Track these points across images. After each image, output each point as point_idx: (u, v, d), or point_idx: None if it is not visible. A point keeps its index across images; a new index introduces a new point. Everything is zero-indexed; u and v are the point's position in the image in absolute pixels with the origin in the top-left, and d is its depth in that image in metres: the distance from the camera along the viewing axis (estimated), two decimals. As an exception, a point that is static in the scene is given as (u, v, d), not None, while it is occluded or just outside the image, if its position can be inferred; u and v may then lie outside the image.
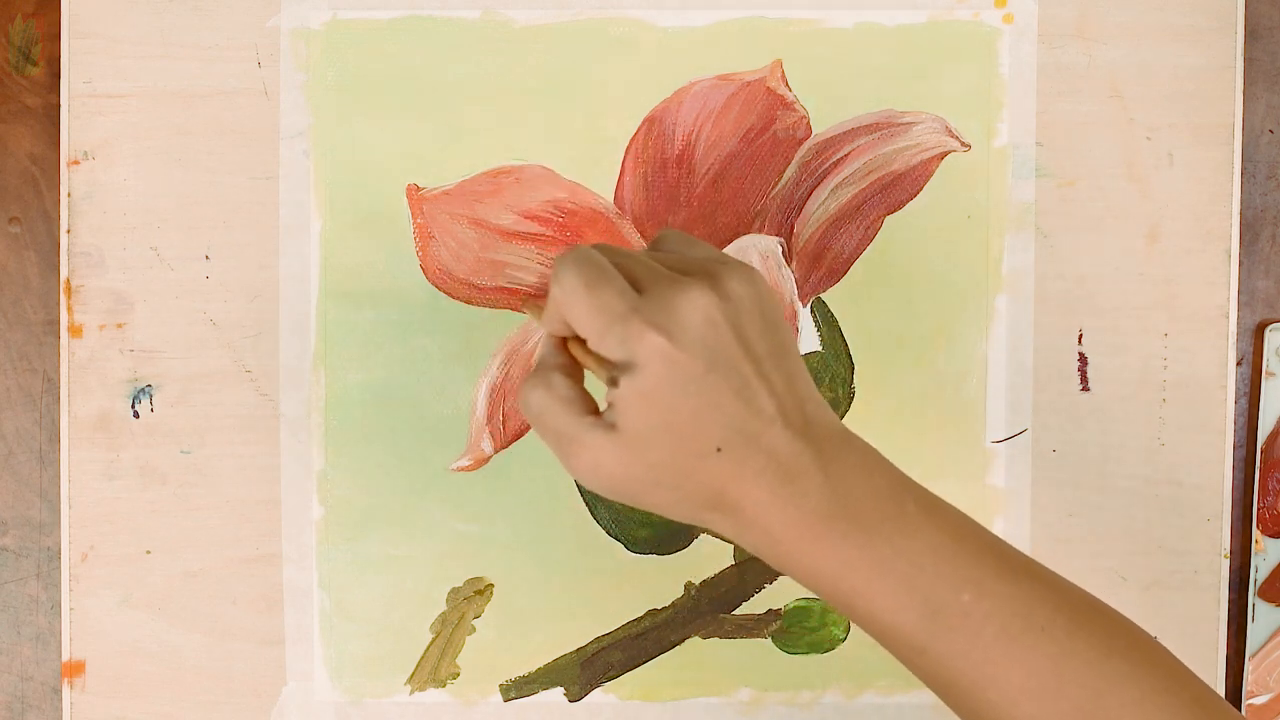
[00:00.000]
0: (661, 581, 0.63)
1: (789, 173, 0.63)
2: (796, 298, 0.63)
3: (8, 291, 0.63)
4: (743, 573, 0.64)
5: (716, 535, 0.63)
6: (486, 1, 0.63)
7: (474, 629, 0.63)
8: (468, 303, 0.63)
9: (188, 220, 0.63)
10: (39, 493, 0.64)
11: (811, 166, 0.63)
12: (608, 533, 0.63)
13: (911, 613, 0.47)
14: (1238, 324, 0.64)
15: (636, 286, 0.48)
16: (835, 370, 0.63)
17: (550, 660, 0.63)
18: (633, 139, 0.63)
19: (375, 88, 0.63)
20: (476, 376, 0.63)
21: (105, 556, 0.63)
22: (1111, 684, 0.47)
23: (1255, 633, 0.64)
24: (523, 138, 0.63)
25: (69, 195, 0.62)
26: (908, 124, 0.63)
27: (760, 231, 0.63)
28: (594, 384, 0.49)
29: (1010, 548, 0.49)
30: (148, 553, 0.63)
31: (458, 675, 0.63)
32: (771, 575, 0.64)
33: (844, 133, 0.63)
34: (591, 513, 0.63)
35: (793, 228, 0.63)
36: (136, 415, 0.62)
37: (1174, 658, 0.49)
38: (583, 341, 0.49)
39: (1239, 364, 0.64)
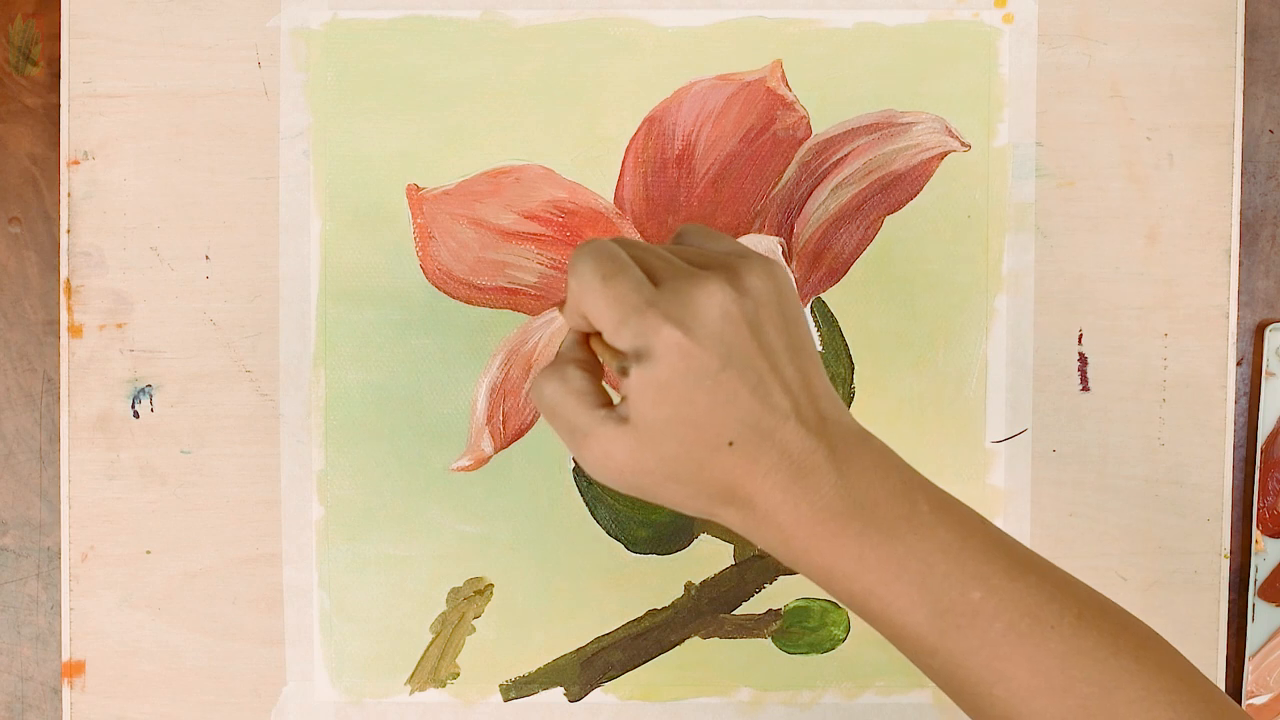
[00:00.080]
0: (661, 581, 0.63)
1: (789, 173, 0.63)
2: (796, 298, 0.63)
3: (8, 291, 0.63)
4: (743, 573, 0.64)
5: (722, 536, 0.63)
6: (486, 1, 0.63)
7: (474, 629, 0.63)
8: (468, 303, 0.63)
9: (188, 220, 0.63)
10: (39, 493, 0.64)
11: (811, 166, 0.63)
12: (608, 533, 0.63)
13: (922, 611, 0.47)
14: (1238, 324, 0.64)
15: (653, 279, 0.48)
16: (835, 370, 0.63)
17: (550, 660, 0.63)
18: (633, 139, 0.63)
19: (375, 88, 0.63)
20: (476, 376, 0.63)
21: (105, 556, 0.63)
22: (1119, 681, 0.47)
23: (1255, 633, 0.64)
24: (523, 138, 0.63)
25: (69, 195, 0.62)
26: (908, 124, 0.63)
27: (760, 231, 0.63)
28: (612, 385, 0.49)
29: (1019, 545, 0.49)
30: (148, 553, 0.63)
31: (458, 675, 0.63)
32: (771, 575, 0.64)
33: (844, 133, 0.63)
34: (591, 513, 0.63)
35: (793, 228, 0.63)
36: (136, 415, 0.62)
37: (1181, 656, 0.49)
38: (599, 335, 0.49)
39: (1239, 364, 0.64)
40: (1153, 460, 0.64)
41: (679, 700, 0.64)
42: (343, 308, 0.63)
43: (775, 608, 0.64)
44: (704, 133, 0.63)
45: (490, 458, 0.63)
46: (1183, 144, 0.63)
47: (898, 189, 0.63)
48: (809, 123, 0.63)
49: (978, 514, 0.49)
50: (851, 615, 0.64)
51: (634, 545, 0.63)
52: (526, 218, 0.63)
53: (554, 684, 0.63)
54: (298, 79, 0.62)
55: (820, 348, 0.63)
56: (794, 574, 0.63)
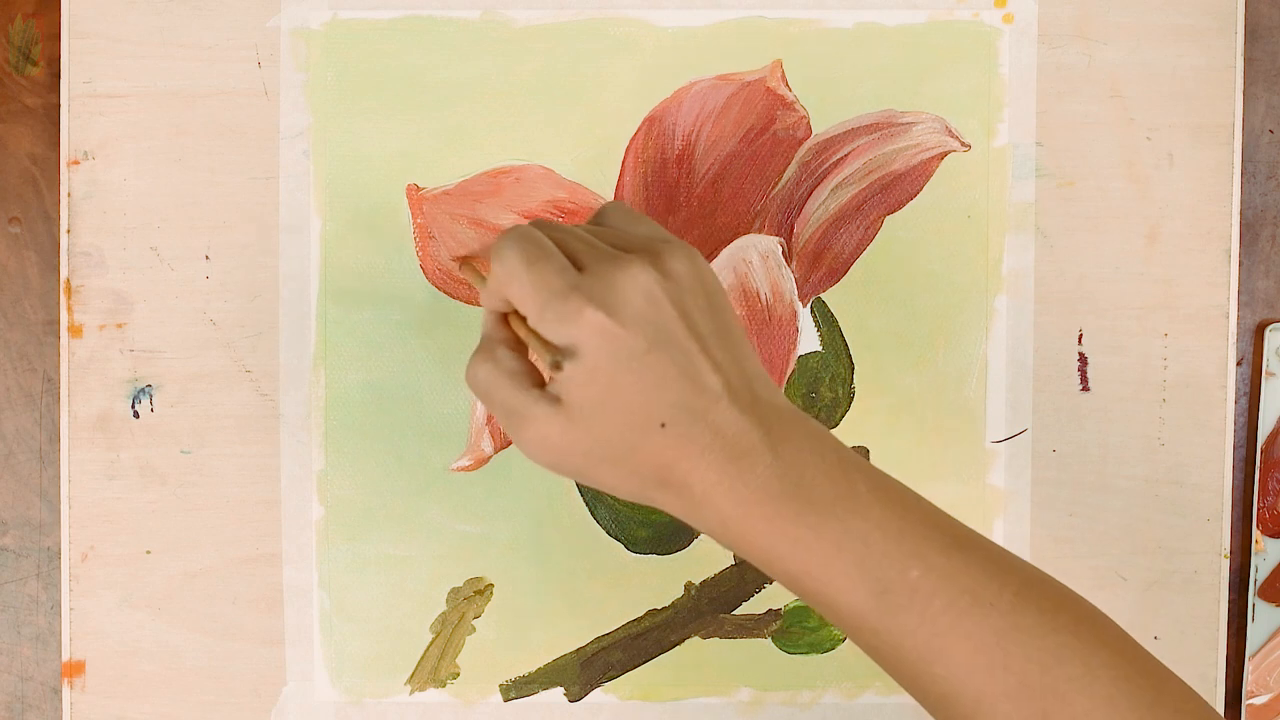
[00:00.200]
0: (661, 581, 0.63)
1: (789, 173, 0.63)
2: (796, 298, 0.63)
3: (8, 291, 0.63)
4: (743, 573, 0.64)
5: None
6: (486, 1, 0.63)
7: (474, 629, 0.63)
8: (468, 303, 0.63)
9: (188, 220, 0.63)
10: (39, 493, 0.64)
11: (811, 166, 0.63)
12: (608, 533, 0.63)
13: (862, 591, 0.47)
14: (1238, 324, 0.64)
15: (577, 264, 0.48)
16: (835, 370, 0.63)
17: (550, 660, 0.63)
18: (633, 139, 0.63)
19: (375, 88, 0.63)
20: (476, 376, 0.63)
21: (105, 556, 0.63)
22: (1059, 657, 0.47)
23: (1255, 633, 0.64)
24: (523, 138, 0.63)
25: (69, 195, 0.62)
26: (908, 124, 0.63)
27: (760, 231, 0.63)
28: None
29: (959, 524, 0.49)
30: (148, 553, 0.63)
31: (458, 675, 0.63)
32: (771, 575, 0.64)
33: (844, 133, 0.63)
34: (591, 513, 0.63)
35: (793, 228, 0.63)
36: (136, 415, 0.62)
37: (1123, 632, 0.49)
38: (524, 318, 0.49)
39: (1239, 364, 0.64)
40: (1153, 460, 0.64)
41: (679, 700, 0.64)
42: (343, 308, 0.63)
43: (775, 608, 0.64)
44: (704, 133, 0.63)
45: (490, 458, 0.63)
46: (1183, 144, 0.63)
47: (898, 189, 0.63)
48: (809, 123, 0.63)
49: (915, 493, 0.49)
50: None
51: (634, 545, 0.63)
52: (527, 218, 0.63)
53: (554, 684, 0.63)
54: (298, 79, 0.62)
55: (820, 348, 0.63)
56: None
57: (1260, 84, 0.65)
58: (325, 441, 0.63)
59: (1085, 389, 0.64)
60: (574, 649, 0.63)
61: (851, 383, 0.63)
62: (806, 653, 0.64)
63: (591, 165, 0.63)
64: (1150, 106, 0.63)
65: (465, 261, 0.53)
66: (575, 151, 0.63)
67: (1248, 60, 0.64)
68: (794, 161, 0.63)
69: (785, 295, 0.63)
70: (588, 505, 0.63)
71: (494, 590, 0.63)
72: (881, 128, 0.63)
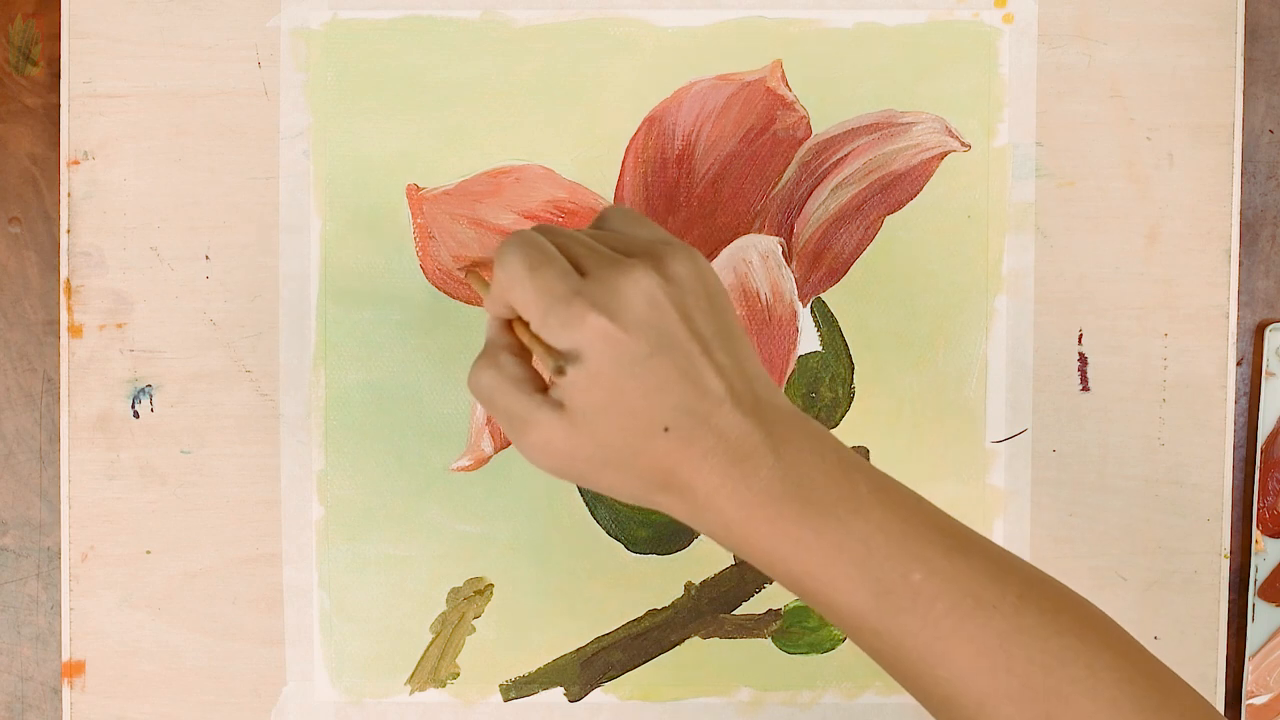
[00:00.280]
0: (661, 581, 0.63)
1: (789, 173, 0.63)
2: (796, 298, 0.63)
3: (8, 291, 0.63)
4: (743, 573, 0.64)
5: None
6: (486, 1, 0.63)
7: (474, 629, 0.63)
8: (467, 303, 0.63)
9: (188, 220, 0.63)
10: (39, 493, 0.64)
11: (811, 166, 0.63)
12: (608, 533, 0.63)
13: (863, 593, 0.47)
14: (1238, 324, 0.64)
15: (579, 268, 0.48)
16: (835, 370, 0.63)
17: (550, 660, 0.63)
18: (633, 139, 0.63)
19: (375, 88, 0.63)
20: (476, 376, 0.63)
21: (105, 556, 0.63)
22: (1062, 660, 0.47)
23: (1255, 633, 0.64)
24: (523, 138, 0.63)
25: (69, 195, 0.62)
26: (908, 124, 0.63)
27: (760, 231, 0.63)
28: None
29: (960, 526, 0.49)
30: (148, 553, 0.63)
31: (458, 675, 0.63)
32: (771, 575, 0.64)
33: (844, 133, 0.63)
34: (591, 513, 0.63)
35: (793, 228, 0.63)
36: (136, 415, 0.62)
37: (1127, 635, 0.49)
38: (527, 324, 0.49)
39: (1239, 364, 0.64)
40: (1153, 460, 0.64)
41: (679, 700, 0.64)
42: (343, 308, 0.63)
43: (775, 608, 0.64)
44: (704, 133, 0.63)
45: (490, 458, 0.63)
46: (1183, 144, 0.63)
47: (898, 189, 0.63)
48: (809, 123, 0.63)
49: (917, 494, 0.49)
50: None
51: (634, 545, 0.63)
52: (527, 218, 0.63)
53: (554, 684, 0.63)
54: (298, 79, 0.62)
55: (820, 348, 0.63)
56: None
57: (1260, 84, 0.65)
58: (325, 441, 0.63)
59: (1085, 389, 0.64)
60: (574, 649, 0.63)
61: (851, 383, 0.63)
62: (806, 653, 0.64)
63: (591, 165, 0.63)
64: (1150, 106, 0.63)
65: (471, 269, 0.53)
66: (575, 151, 0.63)
67: (1248, 60, 0.64)
68: (794, 161, 0.63)
69: (785, 295, 0.63)
70: (588, 505, 0.63)
71: (494, 590, 0.63)
72: (881, 128, 0.63)
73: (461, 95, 0.63)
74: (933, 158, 0.63)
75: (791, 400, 0.63)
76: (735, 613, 0.64)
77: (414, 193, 0.63)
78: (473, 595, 0.63)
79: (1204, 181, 0.63)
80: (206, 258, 0.63)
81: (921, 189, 0.63)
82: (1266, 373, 0.64)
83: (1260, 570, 0.64)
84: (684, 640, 0.64)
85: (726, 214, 0.63)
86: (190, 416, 0.63)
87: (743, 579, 0.64)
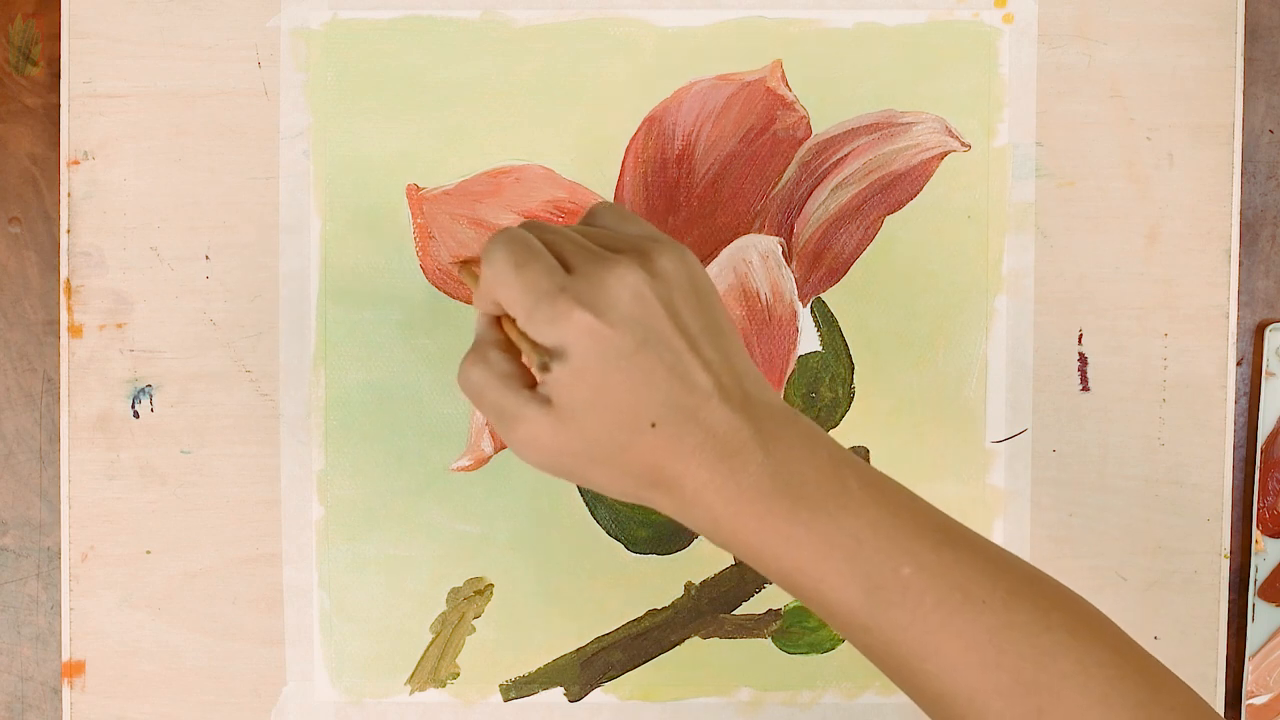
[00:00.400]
0: (661, 581, 0.63)
1: (789, 173, 0.63)
2: (796, 298, 0.63)
3: (8, 291, 0.63)
4: (743, 573, 0.64)
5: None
6: (486, 1, 0.63)
7: (474, 629, 0.63)
8: (467, 303, 0.63)
9: (188, 220, 0.63)
10: (39, 493, 0.64)
11: (811, 166, 0.63)
12: (608, 533, 0.63)
13: (853, 588, 0.47)
14: (1238, 324, 0.64)
15: (566, 265, 0.48)
16: (835, 370, 0.63)
17: (550, 660, 0.63)
18: (633, 139, 0.63)
19: (375, 88, 0.63)
20: (476, 376, 0.63)
21: (105, 556, 0.63)
22: (1053, 655, 0.47)
23: (1255, 633, 0.64)
24: (523, 138, 0.63)
25: (69, 195, 0.62)
26: (908, 124, 0.63)
27: (760, 231, 0.63)
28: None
29: (952, 522, 0.49)
30: (148, 553, 0.63)
31: (458, 675, 0.63)
32: (771, 575, 0.64)
33: (844, 133, 0.63)
34: (591, 513, 0.63)
35: (793, 228, 0.63)
36: (136, 415, 0.62)
37: (1120, 631, 0.48)
38: (514, 320, 0.49)
39: (1239, 364, 0.64)
40: (1153, 460, 0.64)
41: (679, 700, 0.64)
42: (343, 308, 0.63)
43: (775, 608, 0.64)
44: (704, 133, 0.63)
45: (490, 458, 0.63)
46: (1183, 144, 0.63)
47: (898, 189, 0.63)
48: (809, 123, 0.63)
49: (909, 490, 0.49)
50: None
51: (634, 545, 0.63)
52: (526, 218, 0.63)
53: (554, 684, 0.63)
54: (298, 79, 0.62)
55: (820, 348, 0.63)
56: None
57: (1260, 84, 0.65)
58: (325, 441, 0.63)
59: (1085, 389, 0.64)
60: (574, 649, 0.63)
61: (851, 383, 0.63)
62: (806, 653, 0.64)
63: (591, 165, 0.63)
64: (1150, 106, 0.63)
65: (464, 265, 0.53)
66: (575, 151, 0.63)
67: (1248, 60, 0.64)
68: (794, 161, 0.63)
69: (785, 295, 0.63)
70: (588, 505, 0.63)
71: (494, 590, 0.63)
72: (881, 128, 0.63)
73: (461, 95, 0.63)
74: (933, 158, 0.63)
75: (791, 400, 0.63)
76: (735, 613, 0.64)
77: (414, 193, 0.63)
78: (473, 595, 0.63)
79: (1204, 181, 0.63)
80: (206, 258, 0.63)
81: (921, 189, 0.63)
82: (1266, 373, 0.64)
83: (1260, 570, 0.64)
84: (684, 640, 0.64)
85: (726, 214, 0.63)
86: (190, 416, 0.63)
87: (743, 579, 0.64)
